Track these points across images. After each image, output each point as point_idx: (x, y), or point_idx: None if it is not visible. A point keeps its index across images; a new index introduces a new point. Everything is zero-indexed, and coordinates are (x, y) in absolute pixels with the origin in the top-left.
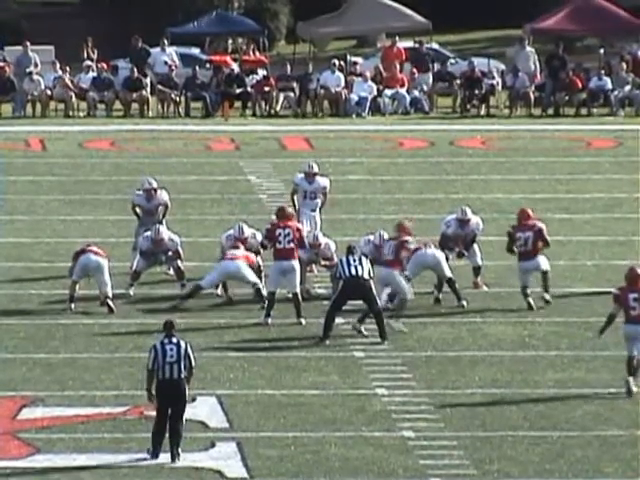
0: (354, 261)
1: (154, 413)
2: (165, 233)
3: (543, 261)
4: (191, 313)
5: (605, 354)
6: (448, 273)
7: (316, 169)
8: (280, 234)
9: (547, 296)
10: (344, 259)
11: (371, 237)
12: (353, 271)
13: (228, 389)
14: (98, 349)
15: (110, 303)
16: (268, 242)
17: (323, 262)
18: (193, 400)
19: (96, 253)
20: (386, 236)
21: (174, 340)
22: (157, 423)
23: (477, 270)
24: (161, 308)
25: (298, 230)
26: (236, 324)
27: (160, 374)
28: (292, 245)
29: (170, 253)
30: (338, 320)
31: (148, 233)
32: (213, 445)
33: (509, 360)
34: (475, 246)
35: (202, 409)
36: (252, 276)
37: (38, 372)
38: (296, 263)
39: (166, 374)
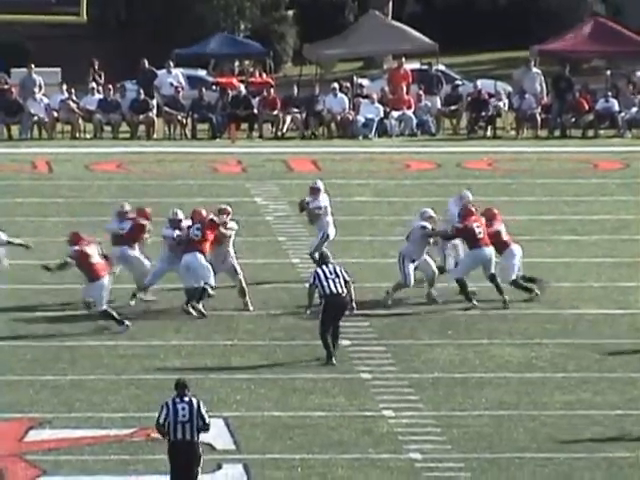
0: (330, 274)
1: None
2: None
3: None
4: (198, 335)
5: (612, 376)
6: (492, 269)
7: (319, 186)
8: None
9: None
10: (320, 272)
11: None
12: (333, 288)
13: (235, 411)
14: (105, 371)
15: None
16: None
17: None
18: None
19: (104, 272)
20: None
21: (186, 399)
22: None
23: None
24: (168, 329)
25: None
26: (242, 346)
27: (172, 435)
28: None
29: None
30: (344, 342)
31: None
32: (220, 467)
33: (516, 382)
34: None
35: (209, 431)
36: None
37: (45, 394)
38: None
39: (178, 435)
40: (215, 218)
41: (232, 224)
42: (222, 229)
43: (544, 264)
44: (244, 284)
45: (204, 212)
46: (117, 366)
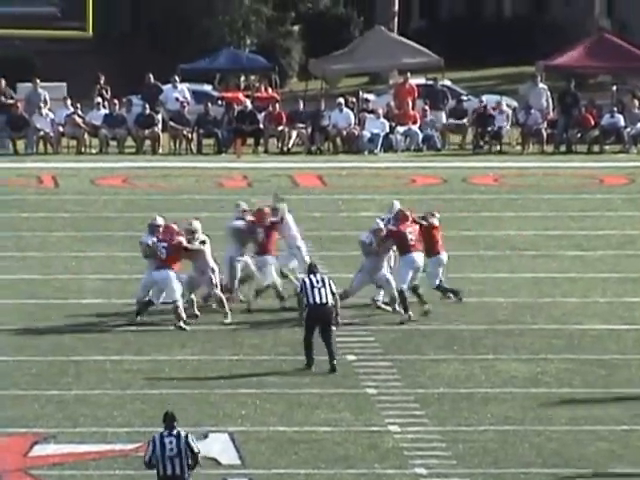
0: (317, 283)
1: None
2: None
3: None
4: (203, 350)
5: (618, 391)
6: (416, 279)
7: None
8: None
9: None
10: (307, 281)
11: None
12: (317, 298)
13: (240, 426)
14: (110, 386)
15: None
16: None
17: None
18: (205, 437)
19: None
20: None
21: (174, 432)
22: None
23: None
24: (173, 344)
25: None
26: (248, 360)
27: (161, 470)
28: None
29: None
30: (350, 357)
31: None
32: None
33: (522, 397)
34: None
35: (214, 446)
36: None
37: (50, 409)
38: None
39: (167, 470)
40: (184, 242)
41: (203, 237)
42: (189, 246)
43: (549, 279)
44: (222, 296)
45: (175, 228)
46: (122, 381)
